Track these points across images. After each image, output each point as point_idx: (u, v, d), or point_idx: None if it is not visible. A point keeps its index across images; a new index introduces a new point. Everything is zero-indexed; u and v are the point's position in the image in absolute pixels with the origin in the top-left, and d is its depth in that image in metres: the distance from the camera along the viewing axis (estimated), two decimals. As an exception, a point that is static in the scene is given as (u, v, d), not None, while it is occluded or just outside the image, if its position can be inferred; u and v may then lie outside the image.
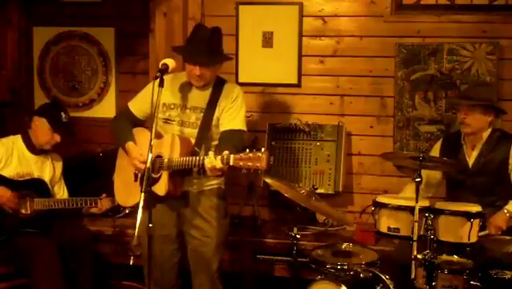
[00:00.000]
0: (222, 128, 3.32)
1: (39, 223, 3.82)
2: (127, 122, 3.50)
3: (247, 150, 2.87)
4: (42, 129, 3.89)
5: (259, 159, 2.83)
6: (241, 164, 2.86)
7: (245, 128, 3.37)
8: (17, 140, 3.92)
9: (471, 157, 3.66)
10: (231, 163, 2.88)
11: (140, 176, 3.35)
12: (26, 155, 3.91)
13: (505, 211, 3.45)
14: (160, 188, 3.21)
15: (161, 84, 3.08)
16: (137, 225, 2.78)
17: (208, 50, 3.26)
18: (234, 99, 3.36)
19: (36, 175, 3.90)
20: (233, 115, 3.33)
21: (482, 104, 3.57)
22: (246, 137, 3.45)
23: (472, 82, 4.10)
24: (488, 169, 3.60)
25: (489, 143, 3.63)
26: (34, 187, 3.85)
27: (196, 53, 3.27)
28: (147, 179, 2.89)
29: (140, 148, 3.36)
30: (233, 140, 3.23)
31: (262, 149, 2.85)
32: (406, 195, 3.63)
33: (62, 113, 3.95)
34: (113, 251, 4.12)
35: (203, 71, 3.26)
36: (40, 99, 4.91)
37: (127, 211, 4.18)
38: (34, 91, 4.97)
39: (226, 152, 2.92)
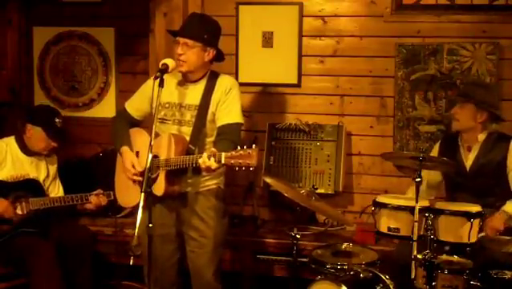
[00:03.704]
0: (219, 123, 3.31)
1: (36, 223, 3.81)
2: (124, 124, 3.50)
3: (238, 147, 2.88)
4: (37, 137, 3.88)
5: (249, 156, 2.84)
6: (232, 162, 2.87)
7: (241, 121, 3.36)
8: (10, 142, 3.91)
9: (468, 159, 3.64)
10: (222, 161, 2.89)
11: (139, 175, 3.36)
12: (20, 157, 3.90)
13: (502, 212, 3.45)
14: (158, 188, 3.21)
15: (161, 84, 3.09)
16: (137, 225, 2.78)
17: (191, 26, 3.30)
18: (228, 91, 3.34)
19: (32, 176, 3.90)
20: (228, 108, 3.32)
21: (474, 103, 3.56)
22: (243, 134, 3.43)
23: (472, 80, 4.09)
24: (486, 171, 3.58)
25: (487, 144, 3.61)
26: (29, 187, 3.84)
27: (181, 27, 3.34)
28: (146, 179, 2.89)
29: (136, 149, 3.37)
30: (230, 135, 3.24)
31: (253, 146, 2.85)
32: (410, 196, 3.64)
33: (57, 119, 3.94)
34: (113, 251, 4.12)
35: (184, 49, 3.26)
36: (40, 99, 4.92)
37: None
38: (34, 91, 4.97)
39: (214, 150, 2.94)
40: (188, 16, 3.54)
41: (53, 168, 4.06)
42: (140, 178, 3.19)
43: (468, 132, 3.63)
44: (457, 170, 3.57)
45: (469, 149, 3.65)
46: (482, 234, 3.35)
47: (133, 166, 3.30)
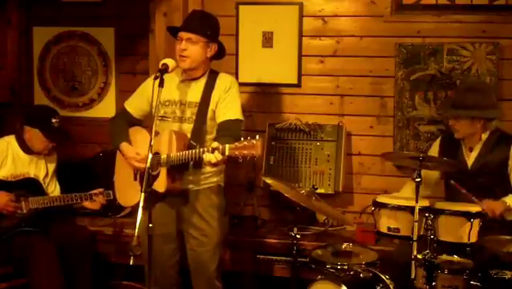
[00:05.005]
0: (219, 120, 3.32)
1: (36, 222, 3.82)
2: (123, 123, 3.51)
3: (242, 139, 2.86)
4: (36, 138, 3.89)
5: (254, 146, 2.81)
6: (236, 153, 2.84)
7: (241, 118, 3.37)
8: (11, 141, 3.92)
9: (470, 158, 3.65)
10: (227, 153, 2.87)
11: (139, 175, 3.36)
12: (21, 155, 3.91)
13: (503, 201, 3.42)
14: (160, 185, 3.21)
15: (161, 84, 3.09)
16: (137, 225, 2.78)
17: (194, 21, 3.32)
18: (228, 89, 3.35)
19: (32, 174, 3.91)
20: (228, 105, 3.33)
21: (467, 115, 3.54)
22: (243, 134, 3.41)
23: (462, 86, 4.01)
24: (487, 170, 3.58)
25: (489, 144, 3.61)
26: (29, 186, 3.85)
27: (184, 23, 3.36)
28: (147, 179, 2.89)
29: (135, 148, 3.37)
30: (231, 131, 3.24)
31: (257, 136, 2.83)
32: (405, 194, 3.63)
33: (53, 119, 3.93)
34: (113, 251, 4.12)
35: (187, 44, 3.27)
36: (40, 99, 4.92)
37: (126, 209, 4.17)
38: (34, 91, 4.97)
39: (217, 144, 2.92)
40: (190, 13, 3.56)
41: (52, 167, 4.06)
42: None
43: (468, 137, 3.63)
44: (459, 169, 3.56)
45: (471, 149, 3.65)
46: (476, 200, 3.36)
47: (137, 153, 3.29)
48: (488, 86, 4.06)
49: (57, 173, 4.11)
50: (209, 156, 2.92)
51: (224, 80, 3.39)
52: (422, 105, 4.29)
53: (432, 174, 3.73)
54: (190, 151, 3.10)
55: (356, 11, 4.38)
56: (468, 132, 3.60)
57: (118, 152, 3.53)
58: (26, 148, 3.92)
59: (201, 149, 3.02)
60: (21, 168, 3.88)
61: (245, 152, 2.82)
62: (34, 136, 3.89)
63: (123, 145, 3.39)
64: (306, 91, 4.48)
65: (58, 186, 4.10)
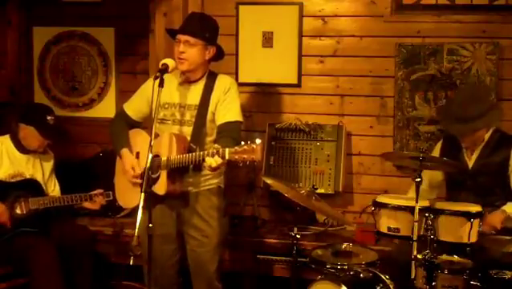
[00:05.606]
0: (219, 122, 3.32)
1: (36, 222, 3.82)
2: (123, 125, 3.51)
3: (242, 143, 2.85)
4: (31, 136, 3.89)
5: (253, 151, 2.81)
6: (236, 157, 2.84)
7: (241, 119, 3.37)
8: (5, 141, 3.92)
9: (471, 159, 3.65)
10: (226, 157, 2.87)
11: (139, 177, 3.36)
12: (17, 155, 3.91)
13: (502, 211, 3.43)
14: (160, 187, 3.21)
15: (161, 84, 3.09)
16: (137, 225, 2.79)
17: (192, 24, 3.33)
18: (227, 90, 3.35)
19: (28, 174, 3.91)
20: (227, 107, 3.33)
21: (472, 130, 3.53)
22: (243, 134, 3.42)
23: (461, 97, 3.76)
24: (488, 171, 3.58)
25: (489, 144, 3.61)
26: (28, 187, 3.85)
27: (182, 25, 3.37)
28: (147, 179, 2.89)
29: (136, 149, 3.36)
30: (231, 132, 3.24)
31: (256, 141, 2.82)
32: (410, 196, 3.64)
33: (48, 116, 3.93)
34: (113, 251, 4.12)
35: (185, 47, 3.27)
36: (40, 99, 4.91)
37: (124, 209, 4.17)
38: (34, 91, 4.96)
39: (217, 147, 2.92)
40: (188, 15, 3.56)
41: (49, 166, 4.06)
42: (140, 181, 3.18)
43: (474, 144, 3.64)
44: (460, 169, 3.56)
45: (472, 152, 3.65)
46: (479, 229, 3.34)
47: (133, 169, 3.30)
48: (484, 89, 4.04)
49: (56, 173, 4.11)
50: (209, 161, 2.92)
51: (223, 81, 3.39)
52: (422, 105, 4.29)
53: (437, 176, 3.74)
54: (190, 154, 3.10)
55: (356, 11, 4.38)
56: (474, 140, 3.61)
57: (119, 153, 3.53)
58: (21, 147, 3.92)
59: (201, 153, 3.02)
60: (18, 168, 3.88)
61: (245, 156, 2.82)
62: (29, 133, 3.89)
63: (124, 152, 3.40)
64: (306, 91, 4.48)
65: (57, 185, 4.10)
